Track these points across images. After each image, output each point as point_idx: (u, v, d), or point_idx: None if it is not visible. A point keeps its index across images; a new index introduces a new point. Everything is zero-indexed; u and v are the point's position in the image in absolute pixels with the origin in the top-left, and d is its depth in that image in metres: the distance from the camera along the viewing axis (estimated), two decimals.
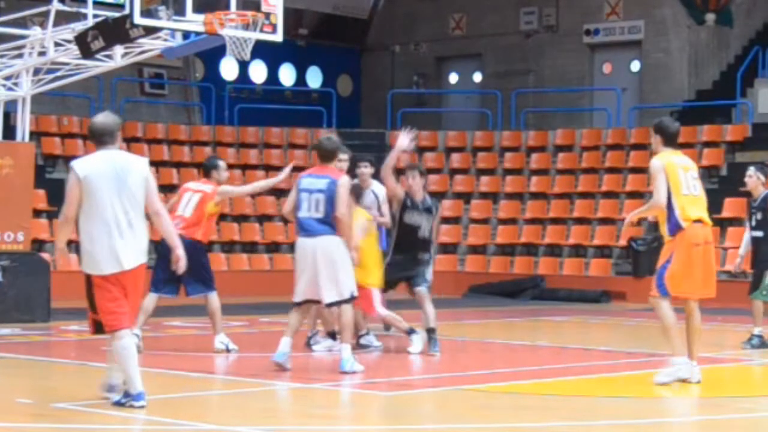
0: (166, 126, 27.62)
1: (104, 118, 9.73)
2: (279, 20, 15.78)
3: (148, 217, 9.64)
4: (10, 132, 18.09)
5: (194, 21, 15.22)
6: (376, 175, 14.17)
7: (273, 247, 25.71)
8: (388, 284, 13.73)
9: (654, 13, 29.78)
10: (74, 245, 9.97)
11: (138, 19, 14.89)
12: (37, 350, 14.34)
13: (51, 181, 23.20)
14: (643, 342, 16.34)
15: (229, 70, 31.33)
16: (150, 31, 15.47)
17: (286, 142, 28.40)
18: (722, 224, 23.03)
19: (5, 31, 17.67)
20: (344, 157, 12.69)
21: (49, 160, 24.91)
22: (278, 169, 24.81)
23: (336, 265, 11.79)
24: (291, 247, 24.91)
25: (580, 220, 26.04)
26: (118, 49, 16.78)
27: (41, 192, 22.45)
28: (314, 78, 33.45)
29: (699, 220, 11.23)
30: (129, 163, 9.58)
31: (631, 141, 27.30)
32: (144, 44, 16.51)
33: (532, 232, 26.20)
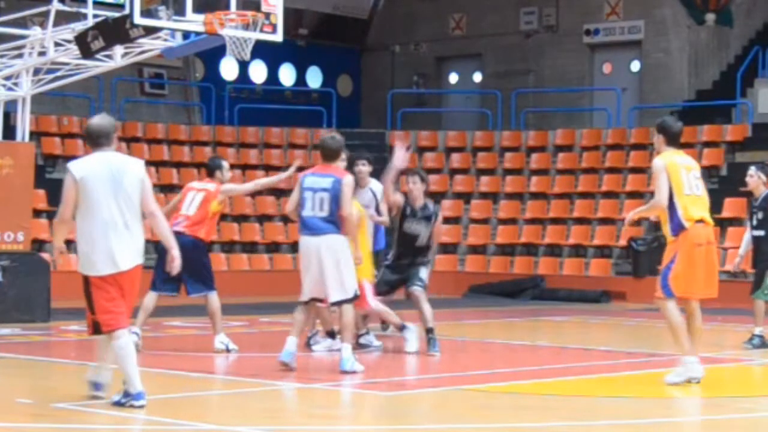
0: (166, 126, 27.62)
1: (100, 120, 9.77)
2: (279, 20, 15.77)
3: (144, 217, 9.67)
4: (10, 132, 18.09)
5: (194, 21, 15.22)
6: (374, 174, 14.18)
7: (273, 247, 25.71)
8: (388, 286, 13.76)
9: (654, 13, 29.78)
10: (73, 245, 9.95)
11: (138, 19, 14.89)
12: (37, 350, 14.34)
13: (51, 181, 23.19)
14: (643, 342, 16.35)
15: (229, 70, 31.33)
16: (150, 31, 15.46)
17: (286, 142, 28.41)
18: (722, 224, 23.02)
19: (5, 31, 17.66)
20: (342, 156, 12.70)
21: (49, 160, 24.91)
22: (278, 169, 24.96)
23: (340, 264, 11.82)
24: (291, 247, 25.03)
25: (580, 220, 26.03)
26: (118, 49, 16.78)
27: (41, 192, 22.46)
28: (314, 78, 33.45)
29: (701, 220, 11.23)
30: (125, 165, 9.63)
31: (631, 141, 27.30)
32: (144, 44, 16.50)
33: (532, 232, 26.20)
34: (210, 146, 27.42)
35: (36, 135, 23.99)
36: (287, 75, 33.00)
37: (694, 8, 29.39)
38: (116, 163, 9.60)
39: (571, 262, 25.14)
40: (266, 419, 9.50)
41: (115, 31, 15.54)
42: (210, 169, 13.91)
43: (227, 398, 10.72)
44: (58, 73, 17.84)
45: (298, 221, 12.12)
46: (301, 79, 33.08)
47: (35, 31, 17.53)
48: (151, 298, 13.48)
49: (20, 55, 17.51)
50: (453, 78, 33.58)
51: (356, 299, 12.06)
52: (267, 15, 15.54)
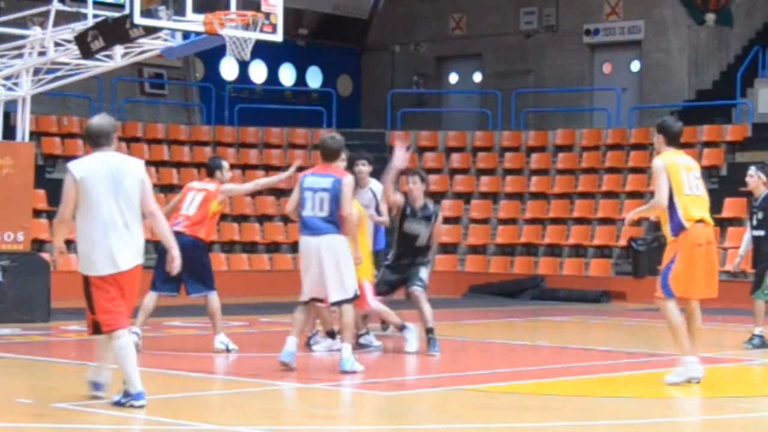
0: (166, 126, 27.62)
1: (100, 120, 9.79)
2: (279, 20, 15.77)
3: (144, 217, 9.68)
4: (10, 132, 18.09)
5: (194, 21, 15.22)
6: (374, 174, 14.18)
7: (273, 247, 25.71)
8: (388, 286, 13.76)
9: (654, 13, 29.78)
10: (73, 245, 9.96)
11: (138, 19, 14.89)
12: (37, 350, 14.33)
13: (51, 181, 23.19)
14: (643, 342, 16.35)
15: (229, 70, 31.32)
16: (150, 31, 15.46)
17: (286, 142, 28.40)
18: (722, 224, 23.02)
19: (5, 31, 17.66)
20: (342, 156, 12.70)
21: (49, 160, 24.91)
22: (278, 169, 24.95)
23: (340, 264, 11.83)
24: (291, 247, 25.02)
25: (580, 220, 26.03)
26: (118, 49, 16.78)
27: (41, 192, 22.46)
28: (314, 78, 33.44)
29: (701, 220, 11.23)
30: (125, 165, 9.65)
31: (631, 141, 27.30)
32: (144, 44, 16.50)
33: (532, 232, 26.20)
34: (210, 146, 27.42)
35: (36, 135, 23.99)
36: (287, 75, 33.00)
37: (694, 8, 29.38)
38: (116, 163, 9.60)
39: (571, 262, 25.14)
40: (266, 419, 9.50)
41: (115, 31, 15.54)
42: (210, 169, 13.92)
43: (227, 398, 10.72)
44: (58, 73, 17.84)
45: (298, 221, 12.13)
46: (301, 79, 33.08)
47: (35, 31, 17.53)
48: (151, 298, 13.49)
49: (20, 55, 17.51)
50: (453, 78, 33.58)
51: (356, 299, 12.07)
52: (267, 15, 15.54)
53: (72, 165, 9.62)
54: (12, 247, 17.32)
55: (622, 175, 26.66)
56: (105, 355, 9.80)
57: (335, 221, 11.82)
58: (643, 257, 23.41)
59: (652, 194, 11.45)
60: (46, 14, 16.93)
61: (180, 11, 15.03)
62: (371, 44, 33.99)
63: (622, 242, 24.54)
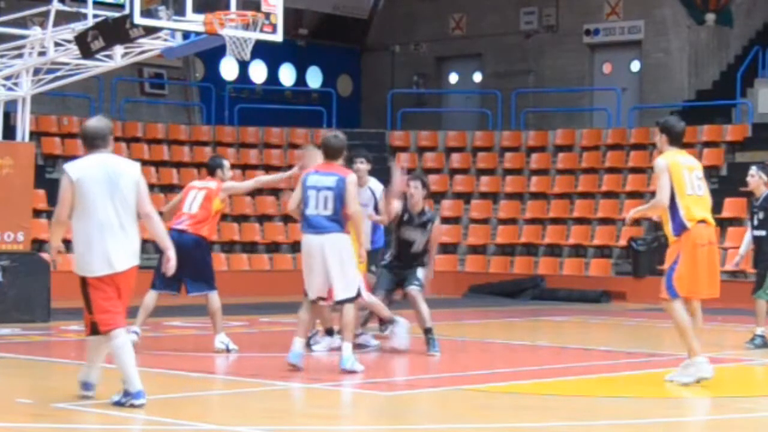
0: (166, 126, 27.62)
1: (97, 122, 9.82)
2: (279, 20, 15.77)
3: (139, 218, 9.70)
4: (10, 132, 18.08)
5: (194, 21, 15.21)
6: (373, 173, 14.18)
7: (273, 247, 25.70)
8: (386, 289, 13.77)
9: (654, 13, 29.78)
10: (71, 245, 9.96)
11: (138, 19, 14.88)
12: (37, 350, 14.33)
13: (51, 181, 23.18)
14: (643, 342, 16.35)
15: (229, 70, 31.32)
16: (150, 31, 15.46)
17: (286, 142, 28.40)
18: (722, 224, 23.01)
19: (5, 31, 17.66)
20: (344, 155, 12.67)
21: (49, 160, 24.91)
22: (278, 169, 24.93)
23: (344, 263, 11.84)
24: (291, 247, 25.02)
25: (580, 220, 26.03)
26: (118, 49, 16.77)
27: (41, 192, 22.46)
28: (314, 78, 33.44)
29: (703, 221, 11.23)
30: (121, 167, 9.68)
31: (631, 141, 27.30)
32: (144, 44, 16.50)
33: (532, 232, 26.19)
34: (210, 146, 27.42)
35: (36, 135, 23.99)
36: (287, 75, 33.00)
37: (694, 8, 29.38)
38: (112, 164, 9.64)
39: (571, 262, 25.13)
40: (266, 419, 9.50)
41: (115, 31, 15.54)
42: (211, 168, 13.93)
43: (227, 398, 10.72)
44: (58, 73, 17.84)
45: (299, 219, 12.13)
46: (301, 79, 33.07)
47: (35, 31, 17.53)
48: (151, 297, 13.50)
49: (20, 55, 17.51)
50: (453, 78, 33.58)
51: (358, 297, 12.07)
52: (267, 15, 15.53)
53: (68, 166, 9.66)
54: (12, 247, 17.32)
55: (622, 175, 26.65)
56: (95, 356, 9.82)
57: (339, 220, 11.84)
58: (643, 257, 23.42)
59: (652, 194, 11.45)
60: (46, 14, 16.93)
61: (180, 11, 15.02)
62: (371, 44, 33.99)
63: (622, 242, 24.54)
